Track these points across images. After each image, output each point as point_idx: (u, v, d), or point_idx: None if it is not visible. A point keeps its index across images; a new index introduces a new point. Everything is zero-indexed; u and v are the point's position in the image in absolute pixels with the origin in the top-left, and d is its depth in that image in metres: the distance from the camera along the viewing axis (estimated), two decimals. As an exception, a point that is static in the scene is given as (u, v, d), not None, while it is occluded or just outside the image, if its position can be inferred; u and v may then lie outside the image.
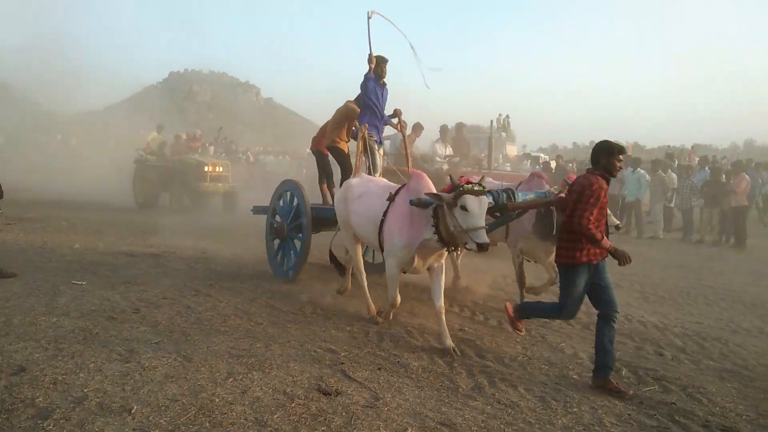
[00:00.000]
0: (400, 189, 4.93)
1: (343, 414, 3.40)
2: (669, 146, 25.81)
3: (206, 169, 14.59)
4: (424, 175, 4.82)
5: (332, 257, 6.34)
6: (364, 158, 6.78)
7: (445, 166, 10.34)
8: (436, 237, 4.46)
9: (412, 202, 4.50)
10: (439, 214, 4.38)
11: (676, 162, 16.53)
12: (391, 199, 4.90)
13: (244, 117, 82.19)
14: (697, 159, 17.50)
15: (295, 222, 6.83)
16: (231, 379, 3.84)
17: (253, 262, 7.86)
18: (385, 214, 4.87)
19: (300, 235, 6.71)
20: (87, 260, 7.52)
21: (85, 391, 3.53)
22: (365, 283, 5.60)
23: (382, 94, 6.94)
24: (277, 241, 7.19)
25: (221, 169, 15.09)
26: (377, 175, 6.74)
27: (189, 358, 4.18)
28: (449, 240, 4.41)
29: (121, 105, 77.97)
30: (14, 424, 3.06)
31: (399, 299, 5.04)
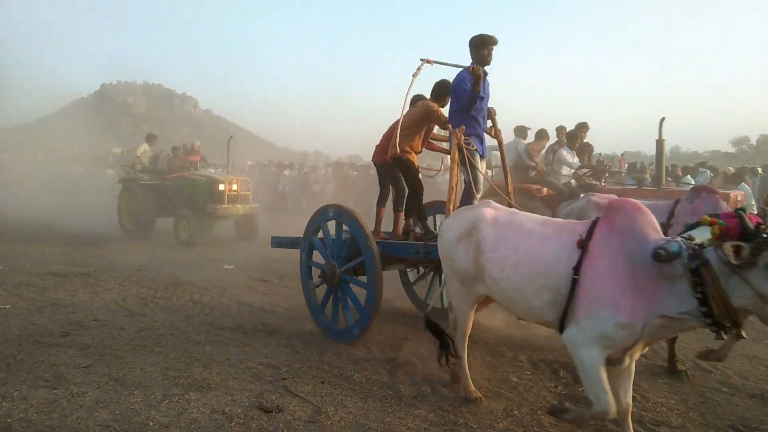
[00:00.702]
0: (593, 227, 3.12)
1: (285, 431, 3.34)
2: (600, 153, 26.90)
3: (221, 187, 11.67)
4: (640, 204, 3.10)
5: (430, 324, 4.31)
6: (462, 175, 5.12)
7: (572, 180, 8.31)
8: (699, 311, 2.68)
9: (659, 256, 2.71)
10: (706, 274, 2.63)
11: (608, 168, 17.25)
12: (583, 244, 3.09)
13: (182, 129, 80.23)
14: (626, 165, 18.34)
15: (351, 261, 5.17)
16: (166, 402, 3.70)
17: (192, 278, 7.62)
18: (576, 269, 3.05)
19: (358, 278, 5.24)
20: (11, 282, 7.10)
21: (9, 421, 3.32)
22: (465, 355, 4.07)
23: (484, 88, 5.14)
24: (322, 288, 5.49)
25: (239, 186, 12.13)
26: (478, 197, 5.22)
27: (121, 382, 4.01)
28: (726, 316, 2.64)
29: (50, 118, 74.62)
30: (-76, 462, 2.84)
31: (613, 407, 2.94)
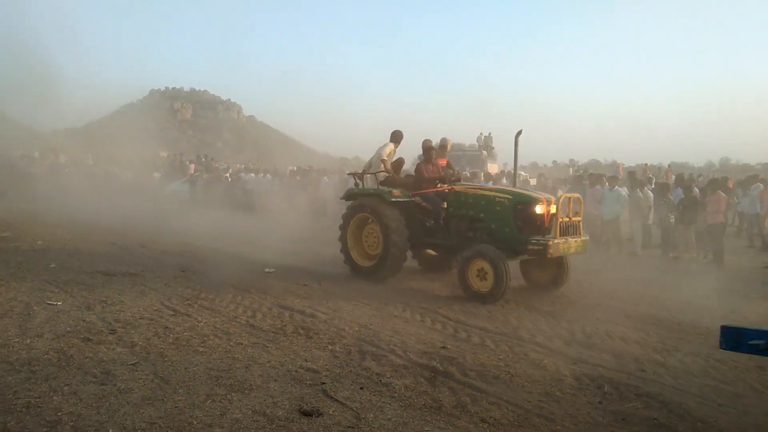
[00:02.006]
0: None
1: (325, 435, 3.35)
2: (647, 164, 26.29)
3: (538, 209, 7.61)
4: None
5: None
6: None
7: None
8: None
9: None
10: None
11: (654, 180, 16.83)
12: None
13: (225, 135, 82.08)
14: (673, 177, 17.84)
15: None
16: (209, 401, 3.76)
17: (234, 280, 7.75)
18: None
19: None
20: (63, 280, 7.36)
21: (59, 414, 3.43)
22: None
23: None
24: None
25: (570, 208, 7.81)
26: None
27: (166, 380, 4.09)
28: None
29: (100, 122, 77.37)
30: (-17, 450, 2.95)
31: None
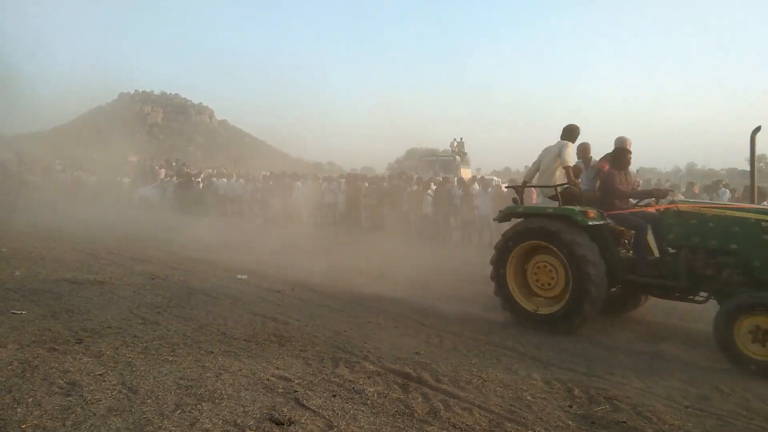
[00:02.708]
0: None
1: (297, 444, 3.32)
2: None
3: None
4: None
5: None
6: None
7: None
8: None
9: None
10: None
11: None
12: None
13: (196, 139, 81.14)
14: (641, 182, 18.23)
15: None
16: (179, 411, 3.70)
17: (205, 288, 7.65)
18: None
19: None
20: (28, 288, 7.17)
21: (23, 427, 3.34)
22: None
23: None
24: None
25: None
26: None
27: (135, 390, 4.01)
28: None
29: (68, 126, 75.75)
30: (-60, 467, 2.85)
31: None
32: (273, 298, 7.27)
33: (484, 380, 4.62)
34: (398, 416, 3.82)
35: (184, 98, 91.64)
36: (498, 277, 6.75)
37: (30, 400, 3.73)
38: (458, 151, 23.83)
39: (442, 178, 17.73)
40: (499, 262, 6.76)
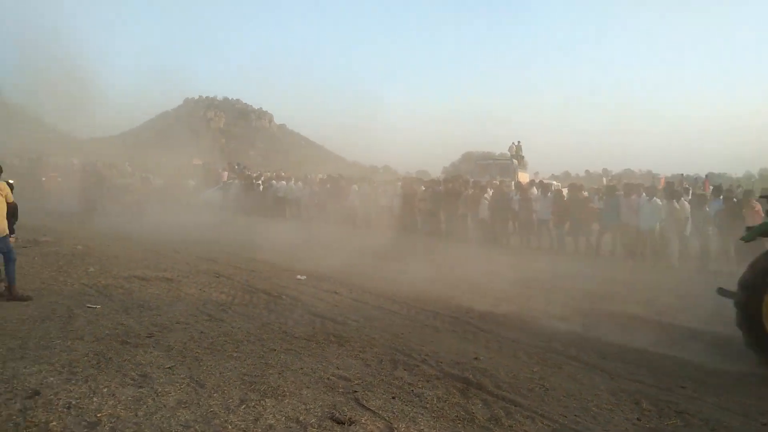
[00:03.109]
0: None
1: (358, 444, 3.34)
2: (683, 174, 25.69)
3: None
4: None
5: None
6: None
7: None
8: None
9: None
10: None
11: (690, 191, 16.43)
12: None
13: (257, 143, 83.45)
14: (711, 188, 17.38)
15: None
16: (244, 406, 3.80)
17: (266, 287, 7.83)
18: None
19: None
20: (102, 284, 7.55)
21: (99, 416, 3.51)
22: None
23: None
24: None
25: None
26: None
27: (202, 384, 4.15)
28: None
29: (137, 130, 79.54)
30: (28, 449, 3.04)
31: None
32: (331, 299, 7.37)
33: (547, 389, 4.51)
34: (458, 421, 3.79)
35: (246, 103, 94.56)
36: (746, 309, 5.32)
37: (105, 390, 3.92)
38: (516, 154, 23.43)
39: (499, 181, 17.47)
40: (750, 302, 5.30)
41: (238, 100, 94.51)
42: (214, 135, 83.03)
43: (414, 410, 3.92)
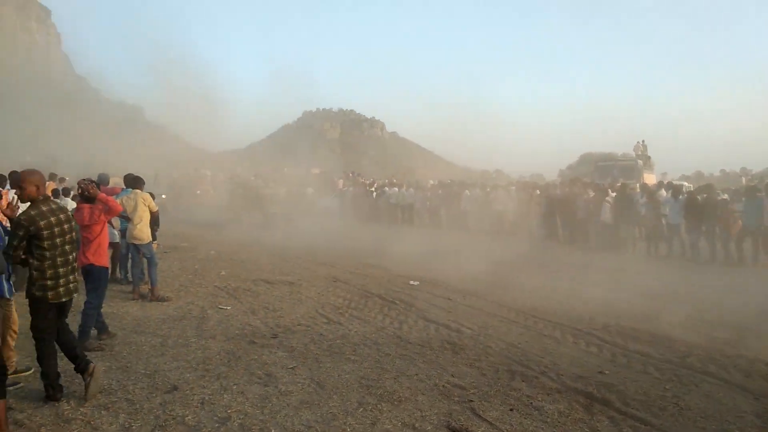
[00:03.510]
0: None
1: (475, 455, 3.28)
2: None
3: None
4: None
5: None
6: None
7: None
8: None
9: None
10: None
11: None
12: None
13: (369, 151, 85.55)
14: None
15: None
16: (361, 409, 3.88)
17: (381, 292, 7.96)
18: None
19: None
20: (232, 286, 8.11)
21: (229, 412, 3.75)
22: None
23: None
24: None
25: None
26: None
27: (322, 385, 4.30)
28: None
29: (260, 143, 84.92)
30: (168, 439, 3.32)
31: None
32: (444, 305, 7.32)
33: (681, 408, 4.14)
34: (582, 438, 3.59)
35: (358, 113, 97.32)
36: None
37: (234, 387, 4.19)
38: (642, 154, 21.86)
39: (622, 184, 16.43)
40: None
41: (351, 110, 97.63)
42: (330, 145, 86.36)
43: (533, 424, 3.78)
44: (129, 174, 7.72)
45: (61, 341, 3.97)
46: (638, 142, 21.92)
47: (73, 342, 4.04)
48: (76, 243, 4.07)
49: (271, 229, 16.68)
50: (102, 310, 5.45)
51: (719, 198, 12.86)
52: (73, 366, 3.93)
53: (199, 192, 25.34)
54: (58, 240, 3.79)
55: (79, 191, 5.17)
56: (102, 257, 5.05)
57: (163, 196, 21.94)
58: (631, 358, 5.33)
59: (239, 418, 3.66)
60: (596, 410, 4.04)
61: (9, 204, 4.04)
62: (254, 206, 19.31)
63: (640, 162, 21.18)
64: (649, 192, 14.26)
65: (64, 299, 3.91)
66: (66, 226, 3.87)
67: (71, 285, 3.96)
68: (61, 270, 3.84)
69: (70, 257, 3.93)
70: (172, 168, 30.24)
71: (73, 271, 3.98)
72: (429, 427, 3.64)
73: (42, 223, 3.68)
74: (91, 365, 3.89)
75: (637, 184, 16.59)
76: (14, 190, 7.57)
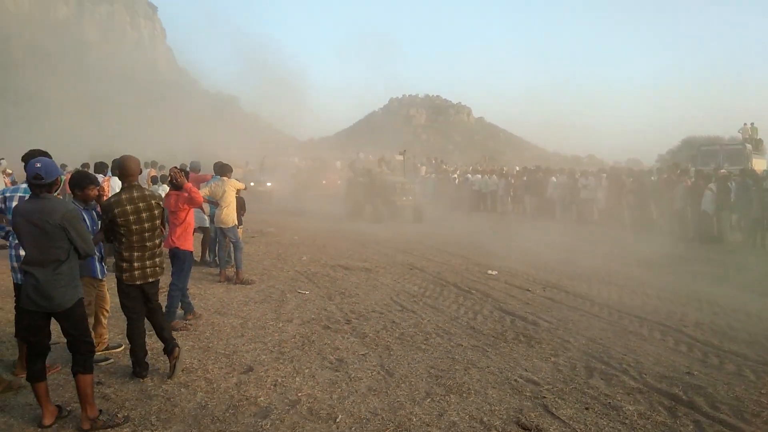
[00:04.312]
0: None
1: (543, 454, 3.16)
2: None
3: None
4: None
5: None
6: None
7: None
8: None
9: None
10: None
11: None
12: None
13: (455, 137, 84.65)
14: None
15: None
16: (429, 400, 3.85)
17: (457, 280, 7.87)
18: None
19: None
20: (311, 271, 8.33)
21: (299, 395, 3.86)
22: None
23: None
24: None
25: None
26: None
27: (391, 373, 4.32)
28: None
29: (348, 130, 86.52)
30: (239, 420, 3.47)
31: None
32: (522, 296, 7.12)
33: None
34: (663, 443, 3.36)
35: (445, 99, 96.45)
36: None
37: (306, 371, 4.31)
38: (751, 137, 20.05)
39: (728, 170, 15.15)
40: None
41: (437, 96, 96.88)
42: (415, 131, 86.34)
43: (610, 424, 3.59)
44: (218, 162, 8.09)
45: (152, 322, 4.21)
46: (745, 125, 20.12)
47: (163, 324, 4.27)
48: (162, 229, 4.24)
49: (398, 223, 15.53)
50: (189, 291, 5.78)
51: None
52: (162, 346, 4.20)
53: (324, 182, 23.73)
54: (134, 227, 3.96)
55: (169, 179, 5.50)
56: (187, 241, 5.34)
57: (269, 184, 21.96)
58: (724, 359, 4.92)
59: (308, 402, 3.75)
60: (681, 413, 3.77)
61: (101, 192, 4.36)
62: (378, 197, 16.87)
63: (749, 146, 19.46)
64: (757, 179, 13.06)
65: (139, 282, 4.05)
66: (145, 215, 3.99)
67: (148, 270, 4.07)
68: (136, 254, 4.02)
69: (149, 244, 4.06)
70: (275, 155, 30.65)
71: (153, 256, 4.10)
72: (497, 422, 3.55)
73: (117, 210, 3.90)
74: (177, 349, 4.14)
75: (745, 171, 15.25)
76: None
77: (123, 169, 4.04)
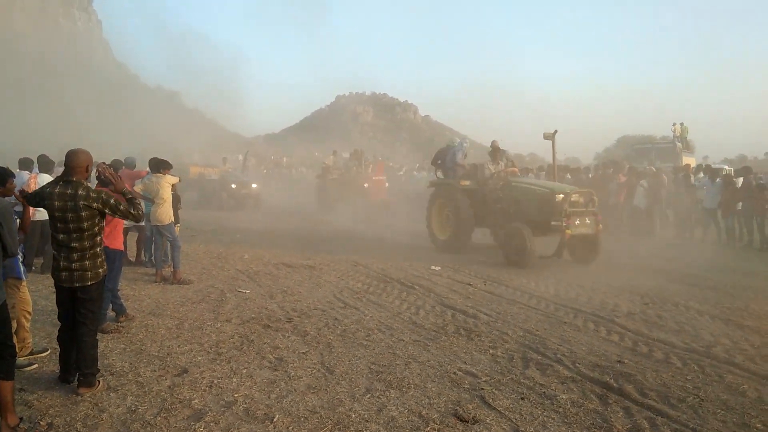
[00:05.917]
0: None
1: (479, 445, 3.20)
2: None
3: None
4: None
5: None
6: None
7: None
8: None
9: None
10: None
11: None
12: None
13: (402, 135, 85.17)
14: None
15: None
16: (369, 396, 3.84)
17: (400, 276, 7.90)
18: None
19: None
20: (253, 270, 8.17)
21: (236, 396, 3.77)
22: None
23: None
24: None
25: None
26: None
27: (331, 371, 4.28)
28: None
29: (293, 128, 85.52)
30: (171, 423, 3.35)
31: None
32: (464, 290, 7.22)
33: (702, 400, 3.97)
34: (594, 429, 3.47)
35: (392, 97, 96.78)
36: None
37: (244, 371, 4.21)
38: (681, 136, 21.13)
39: (657, 168, 15.90)
40: None
41: (384, 94, 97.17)
42: (362, 129, 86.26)
43: (544, 414, 3.68)
44: (153, 158, 7.80)
45: (72, 336, 3.81)
46: (675, 124, 21.18)
47: (84, 343, 3.76)
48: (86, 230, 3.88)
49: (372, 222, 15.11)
50: (122, 292, 5.55)
51: (758, 182, 12.32)
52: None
53: (367, 185, 21.17)
54: (59, 224, 3.71)
55: (96, 174, 5.16)
56: (116, 240, 5.12)
57: (254, 186, 20.27)
58: (653, 347, 5.14)
59: (245, 403, 3.67)
60: (611, 400, 3.91)
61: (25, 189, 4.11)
62: (352, 194, 16.80)
63: (679, 144, 20.50)
64: (686, 175, 13.76)
65: (66, 285, 3.74)
66: (71, 215, 3.66)
67: (75, 273, 3.71)
68: (62, 254, 3.73)
69: (75, 245, 3.71)
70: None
71: (82, 259, 3.73)
72: (435, 415, 3.57)
73: (46, 202, 3.68)
74: (98, 382, 3.79)
75: (674, 168, 16.04)
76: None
77: (66, 160, 3.77)
